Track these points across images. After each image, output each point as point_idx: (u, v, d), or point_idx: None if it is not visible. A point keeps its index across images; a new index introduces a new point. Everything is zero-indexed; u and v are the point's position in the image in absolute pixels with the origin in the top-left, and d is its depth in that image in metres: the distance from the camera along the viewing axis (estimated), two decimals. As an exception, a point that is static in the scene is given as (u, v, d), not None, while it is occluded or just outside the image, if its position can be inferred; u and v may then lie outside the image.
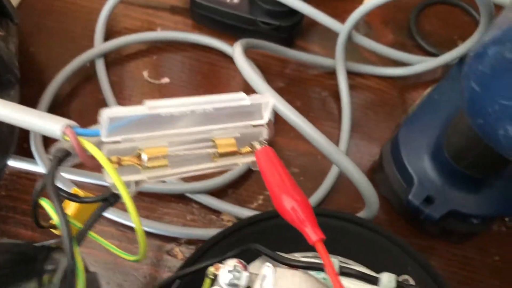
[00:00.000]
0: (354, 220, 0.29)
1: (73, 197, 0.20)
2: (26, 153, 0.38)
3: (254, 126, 0.22)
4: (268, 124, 0.22)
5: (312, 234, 0.19)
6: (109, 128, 0.19)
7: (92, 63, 0.42)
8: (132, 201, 0.19)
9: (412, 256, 0.29)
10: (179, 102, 0.19)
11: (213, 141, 0.21)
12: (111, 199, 0.20)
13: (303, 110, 0.32)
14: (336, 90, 0.44)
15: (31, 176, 0.38)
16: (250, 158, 0.22)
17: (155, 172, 0.20)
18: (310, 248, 0.22)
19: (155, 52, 0.45)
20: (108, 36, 0.44)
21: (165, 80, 0.43)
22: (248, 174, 0.39)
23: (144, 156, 0.19)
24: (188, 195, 0.38)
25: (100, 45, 0.43)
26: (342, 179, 0.40)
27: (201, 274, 0.23)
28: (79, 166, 0.37)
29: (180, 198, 0.38)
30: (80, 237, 0.19)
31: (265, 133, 0.22)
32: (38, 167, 0.37)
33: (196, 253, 0.28)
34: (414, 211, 0.34)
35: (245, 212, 0.37)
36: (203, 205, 0.38)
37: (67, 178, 0.36)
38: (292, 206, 0.19)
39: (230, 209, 0.37)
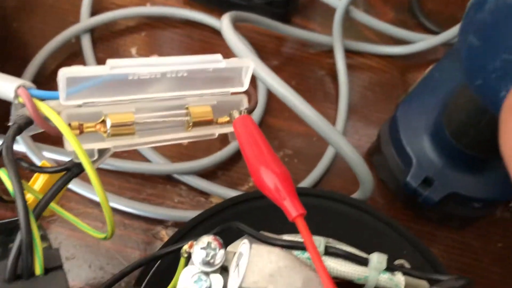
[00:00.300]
0: (345, 200, 0.28)
1: (33, 167, 0.18)
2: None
3: (233, 93, 0.20)
4: (249, 92, 0.21)
5: (292, 208, 0.17)
6: (69, 90, 0.17)
7: (77, 39, 0.41)
8: (95, 171, 0.17)
9: (408, 240, 0.27)
10: (146, 62, 0.18)
11: (187, 108, 0.19)
12: (74, 169, 0.18)
13: (298, 90, 0.30)
14: (333, 69, 0.42)
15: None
16: (228, 129, 0.20)
17: (121, 141, 0.18)
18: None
19: (144, 28, 0.43)
20: (95, 11, 0.42)
21: (154, 57, 0.41)
22: (239, 155, 0.38)
23: (108, 122, 0.18)
24: (176, 176, 0.36)
25: (86, 20, 0.41)
26: (338, 161, 0.38)
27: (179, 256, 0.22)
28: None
29: (168, 179, 0.36)
30: (39, 210, 0.18)
31: (245, 102, 0.20)
32: (20, 146, 0.35)
33: (177, 233, 0.26)
34: (412, 194, 0.32)
35: (234, 194, 0.35)
36: (191, 186, 0.36)
37: (43, 154, 0.34)
38: (270, 178, 0.17)
39: (219, 191, 0.35)
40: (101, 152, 0.18)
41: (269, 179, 0.17)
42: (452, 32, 0.40)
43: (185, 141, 0.20)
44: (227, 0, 0.42)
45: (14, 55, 0.39)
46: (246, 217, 0.26)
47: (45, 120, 0.17)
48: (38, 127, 0.18)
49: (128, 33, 0.42)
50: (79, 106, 0.17)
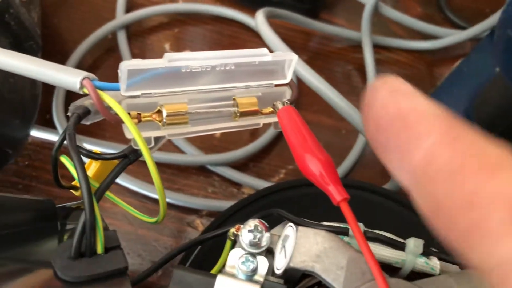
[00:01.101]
0: (379, 191, 0.29)
1: (92, 154, 0.20)
2: (48, 124, 0.38)
3: (276, 86, 0.21)
4: (291, 84, 0.22)
5: (336, 193, 0.18)
6: (128, 81, 0.18)
7: (114, 35, 0.42)
8: (152, 157, 0.19)
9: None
10: (199, 56, 0.19)
11: (234, 99, 0.20)
12: (131, 156, 0.19)
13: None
14: (361, 64, 0.43)
15: (53, 147, 0.38)
16: (272, 119, 0.21)
17: (175, 129, 0.19)
18: (335, 219, 0.21)
19: (176, 24, 0.44)
20: (130, 8, 0.44)
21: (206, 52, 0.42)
22: (270, 147, 0.39)
23: (164, 112, 0.19)
24: (209, 167, 0.37)
25: (121, 17, 0.42)
26: (367, 153, 0.39)
27: (221, 241, 0.23)
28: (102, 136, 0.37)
29: (201, 170, 0.38)
30: (99, 194, 0.19)
31: (288, 94, 0.21)
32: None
33: (216, 220, 0.28)
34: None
35: (266, 185, 0.36)
36: (224, 177, 0.37)
37: (84, 145, 0.36)
38: (315, 165, 0.19)
39: (252, 182, 0.37)
40: (156, 140, 0.20)
41: (314, 165, 0.19)
42: (480, 27, 0.40)
43: (231, 130, 0.21)
44: (257, -3, 0.43)
45: (54, 50, 0.41)
46: (280, 207, 0.27)
47: (107, 109, 0.18)
48: (94, 117, 0.20)
49: (162, 29, 0.44)
50: (137, 96, 0.19)
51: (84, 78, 0.18)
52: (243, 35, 0.44)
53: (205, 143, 0.39)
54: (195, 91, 0.20)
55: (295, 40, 0.44)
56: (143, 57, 0.42)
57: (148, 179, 0.37)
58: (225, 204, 0.36)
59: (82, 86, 0.18)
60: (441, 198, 0.12)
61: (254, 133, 0.40)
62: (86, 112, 0.19)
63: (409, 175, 0.13)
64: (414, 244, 0.20)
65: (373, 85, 0.14)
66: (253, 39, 0.44)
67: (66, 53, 0.40)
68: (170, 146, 0.38)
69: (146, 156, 0.18)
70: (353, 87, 0.42)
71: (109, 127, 0.38)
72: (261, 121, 0.21)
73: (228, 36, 0.44)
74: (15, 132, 0.33)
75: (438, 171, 0.12)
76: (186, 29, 0.44)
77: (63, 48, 0.41)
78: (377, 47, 0.43)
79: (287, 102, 0.21)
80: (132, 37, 0.43)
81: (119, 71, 0.18)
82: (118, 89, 0.18)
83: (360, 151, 0.38)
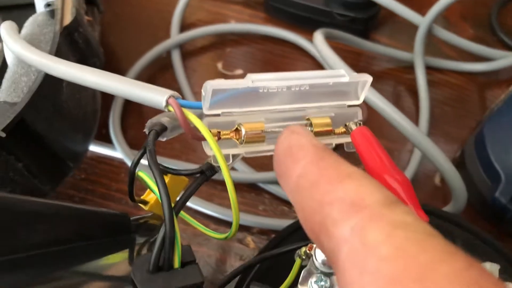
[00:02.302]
0: (440, 214, 0.28)
1: (170, 170, 0.20)
2: (104, 139, 0.39)
3: (349, 106, 0.22)
4: (361, 105, 0.22)
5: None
6: (211, 100, 0.19)
7: (168, 54, 0.43)
8: (230, 173, 0.19)
9: (504, 256, 0.27)
10: (280, 76, 0.19)
11: (308, 119, 0.21)
12: (207, 172, 0.20)
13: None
14: (412, 85, 0.42)
15: (109, 161, 0.39)
16: (345, 139, 0.21)
17: (252, 147, 0.20)
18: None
19: (228, 44, 0.45)
20: (183, 28, 0.45)
21: (239, 71, 0.43)
22: (321, 167, 0.39)
23: (243, 130, 0.19)
24: (260, 185, 0.37)
25: (176, 36, 0.43)
26: (419, 176, 0.38)
27: (280, 260, 0.23)
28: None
29: (252, 188, 0.38)
30: (178, 209, 0.19)
31: (359, 114, 0.22)
32: (116, 152, 0.38)
33: (275, 239, 0.28)
34: (500, 210, 0.32)
35: (319, 204, 0.36)
36: (274, 195, 0.38)
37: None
38: (394, 186, 0.19)
39: (303, 201, 0.37)
40: (233, 157, 0.20)
41: (392, 187, 0.19)
42: (537, 49, 0.40)
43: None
44: (308, 17, 0.43)
45: (111, 68, 0.42)
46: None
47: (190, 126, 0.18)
48: (170, 134, 0.20)
49: (214, 49, 0.44)
50: (217, 115, 0.19)
51: (169, 97, 0.18)
52: (293, 54, 0.45)
53: (256, 161, 0.39)
54: (271, 110, 0.20)
55: (346, 60, 0.44)
56: (196, 74, 0.43)
57: (200, 195, 0.37)
58: (276, 222, 0.36)
59: (167, 104, 0.18)
60: (305, 204, 0.15)
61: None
62: (163, 129, 0.20)
63: (289, 191, 0.16)
64: (490, 268, 0.20)
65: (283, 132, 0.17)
66: (303, 58, 0.45)
67: (123, 71, 0.41)
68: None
69: (225, 172, 0.19)
70: (405, 107, 0.42)
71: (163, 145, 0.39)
72: (333, 141, 0.21)
73: (278, 56, 0.45)
74: (77, 146, 0.34)
75: (304, 183, 0.15)
76: (237, 49, 0.45)
77: (119, 66, 0.42)
78: (428, 68, 0.43)
79: (360, 123, 0.21)
80: (186, 55, 0.44)
81: (203, 90, 0.18)
82: (199, 108, 0.19)
83: (413, 172, 0.37)
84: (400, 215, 0.13)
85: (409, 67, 0.43)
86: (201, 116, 0.19)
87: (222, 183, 0.38)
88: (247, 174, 0.37)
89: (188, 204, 0.36)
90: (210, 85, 0.18)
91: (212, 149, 0.18)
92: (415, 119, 0.41)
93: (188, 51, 0.44)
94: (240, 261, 0.35)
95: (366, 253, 0.12)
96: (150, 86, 0.19)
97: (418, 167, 0.38)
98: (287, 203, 0.37)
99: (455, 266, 0.11)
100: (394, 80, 0.44)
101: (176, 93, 0.19)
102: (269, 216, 0.37)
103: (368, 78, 0.21)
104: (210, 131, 0.19)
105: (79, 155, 0.35)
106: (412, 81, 0.43)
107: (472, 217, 0.37)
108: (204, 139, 0.18)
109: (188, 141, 0.40)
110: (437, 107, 0.42)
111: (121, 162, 0.38)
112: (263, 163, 0.39)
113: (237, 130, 0.19)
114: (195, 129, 0.19)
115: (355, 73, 0.21)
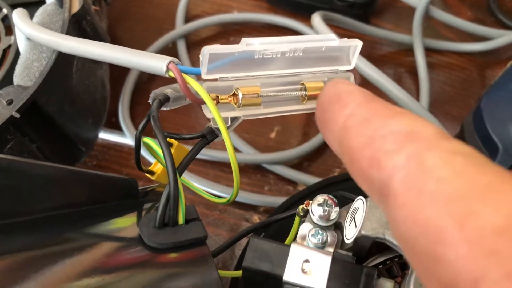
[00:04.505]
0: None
1: (173, 135, 0.21)
2: (113, 127, 0.41)
3: (341, 71, 0.23)
4: (353, 71, 0.23)
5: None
6: (209, 66, 0.20)
7: (174, 44, 0.45)
8: (229, 135, 0.20)
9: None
10: (273, 40, 0.20)
11: (302, 84, 0.22)
12: (208, 136, 0.21)
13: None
14: (412, 67, 0.43)
15: (119, 148, 0.40)
16: (338, 102, 0.22)
17: (249, 111, 0.21)
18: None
19: (232, 33, 0.46)
20: (187, 19, 0.46)
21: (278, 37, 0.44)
22: (324, 147, 0.40)
23: (240, 94, 0.20)
24: (265, 165, 0.39)
25: (181, 27, 0.45)
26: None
27: (285, 227, 0.24)
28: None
29: (258, 169, 0.39)
30: (181, 169, 0.21)
31: (352, 79, 0.23)
32: (126, 139, 0.40)
33: (279, 208, 0.29)
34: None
35: (322, 182, 0.37)
36: (279, 176, 0.39)
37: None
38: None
39: (307, 180, 0.38)
40: (232, 120, 0.21)
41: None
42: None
43: (299, 113, 0.22)
44: (309, 4, 0.44)
45: (119, 59, 0.44)
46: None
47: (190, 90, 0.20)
48: (173, 104, 0.22)
49: (218, 38, 0.46)
50: (215, 80, 0.20)
51: (169, 62, 0.20)
52: (295, 42, 0.46)
53: (260, 143, 0.40)
54: (266, 76, 0.21)
55: (346, 45, 0.45)
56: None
57: (207, 177, 0.38)
58: (282, 201, 0.37)
59: (167, 70, 0.20)
60: (353, 142, 0.15)
61: (306, 134, 0.41)
62: (166, 98, 0.21)
63: (334, 136, 0.16)
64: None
65: (327, 84, 0.18)
66: (305, 45, 0.46)
67: (130, 61, 0.43)
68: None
69: (223, 132, 0.20)
70: (406, 89, 0.43)
71: (172, 119, 0.40)
72: (327, 104, 0.22)
73: (280, 44, 0.46)
74: (88, 131, 0.35)
75: (353, 122, 0.15)
76: (241, 38, 0.46)
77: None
78: (428, 50, 0.44)
79: (352, 87, 0.22)
80: (191, 46, 0.45)
81: (200, 55, 0.20)
82: (198, 73, 0.20)
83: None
84: (457, 145, 0.13)
85: (409, 50, 0.44)
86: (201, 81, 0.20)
87: (229, 165, 0.39)
88: (252, 155, 0.39)
89: (196, 184, 0.37)
90: (208, 49, 0.19)
91: (211, 111, 0.20)
92: (416, 99, 0.42)
93: (193, 41, 0.46)
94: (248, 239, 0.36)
95: (424, 175, 0.12)
96: (151, 54, 0.20)
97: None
98: (292, 182, 0.38)
99: None
100: (395, 63, 0.44)
101: (176, 59, 0.20)
102: (275, 195, 0.38)
103: (358, 43, 0.22)
104: (209, 95, 0.20)
105: (90, 141, 0.36)
106: (412, 63, 0.44)
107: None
108: (203, 102, 0.20)
109: (190, 123, 0.41)
110: (437, 87, 0.43)
111: (130, 149, 0.40)
112: (267, 145, 0.40)
113: (235, 95, 0.21)
114: (195, 93, 0.20)
115: (347, 39, 0.22)
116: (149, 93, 0.21)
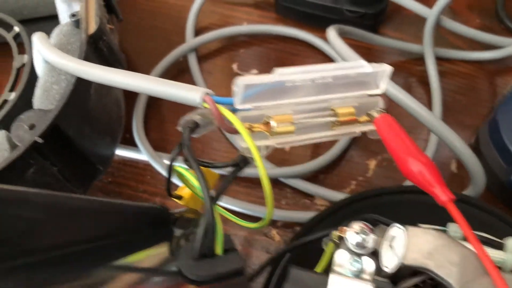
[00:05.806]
0: (461, 198, 0.29)
1: (206, 163, 0.21)
2: (128, 143, 0.40)
3: (370, 96, 0.23)
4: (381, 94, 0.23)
5: (442, 194, 0.19)
6: (243, 96, 0.20)
7: (185, 58, 0.45)
8: (263, 163, 0.20)
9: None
10: (305, 69, 0.20)
11: (333, 110, 0.22)
12: (241, 164, 0.21)
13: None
14: (423, 76, 0.43)
15: (134, 164, 0.40)
16: (369, 127, 0.22)
17: (282, 139, 0.21)
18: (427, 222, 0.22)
19: (242, 45, 0.46)
20: (197, 32, 0.46)
21: (254, 71, 0.44)
22: (339, 160, 0.40)
23: (273, 123, 0.20)
24: (282, 179, 0.39)
25: (191, 40, 0.45)
26: (435, 163, 0.39)
27: (308, 249, 0.24)
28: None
29: (274, 183, 0.39)
30: (215, 200, 0.21)
31: (381, 103, 0.23)
32: (141, 155, 0.39)
33: (304, 228, 0.29)
34: (518, 192, 0.33)
35: (340, 196, 0.37)
36: (296, 190, 0.39)
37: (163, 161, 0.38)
38: (419, 168, 0.20)
39: (324, 193, 0.38)
40: (264, 148, 0.21)
41: (417, 168, 0.20)
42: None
43: (331, 139, 0.22)
44: (318, 15, 0.44)
45: (130, 74, 0.44)
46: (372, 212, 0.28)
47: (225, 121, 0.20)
48: (202, 130, 0.22)
49: (228, 50, 0.46)
50: (248, 109, 0.20)
51: (204, 94, 0.20)
52: (305, 52, 0.46)
53: (276, 158, 0.40)
54: (297, 103, 0.21)
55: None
56: (213, 76, 0.45)
57: (225, 192, 0.38)
58: (300, 215, 0.37)
59: (202, 101, 0.20)
60: None
61: (319, 147, 0.41)
62: (196, 125, 0.21)
63: None
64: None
65: None
66: (314, 55, 0.46)
67: (142, 76, 0.43)
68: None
69: (258, 161, 0.20)
70: (418, 98, 0.43)
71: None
72: (357, 129, 0.22)
73: (290, 54, 0.46)
74: (105, 150, 0.35)
75: None
76: (251, 49, 0.46)
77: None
78: (438, 59, 0.44)
79: (382, 110, 0.22)
80: (202, 58, 0.45)
81: (234, 86, 0.20)
82: (231, 104, 0.20)
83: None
84: None
85: (419, 59, 0.44)
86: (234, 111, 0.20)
87: (246, 180, 0.39)
88: (269, 169, 0.39)
89: (222, 204, 0.37)
90: (241, 81, 0.19)
91: (246, 141, 0.20)
92: (428, 108, 0.42)
93: (204, 54, 0.45)
94: (267, 254, 0.36)
95: None
96: (185, 85, 0.20)
97: (434, 155, 0.39)
98: (309, 196, 0.38)
99: None
100: (405, 72, 0.45)
101: (210, 91, 0.20)
102: (292, 209, 0.38)
103: (387, 68, 0.22)
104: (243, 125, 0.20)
105: (107, 159, 0.36)
106: (423, 72, 0.44)
107: (490, 201, 0.38)
108: (236, 132, 0.20)
109: (209, 142, 0.41)
110: (448, 97, 0.43)
111: (146, 164, 0.40)
112: (283, 158, 0.40)
113: (267, 123, 0.21)
114: (229, 123, 0.20)
115: (375, 63, 0.22)
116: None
